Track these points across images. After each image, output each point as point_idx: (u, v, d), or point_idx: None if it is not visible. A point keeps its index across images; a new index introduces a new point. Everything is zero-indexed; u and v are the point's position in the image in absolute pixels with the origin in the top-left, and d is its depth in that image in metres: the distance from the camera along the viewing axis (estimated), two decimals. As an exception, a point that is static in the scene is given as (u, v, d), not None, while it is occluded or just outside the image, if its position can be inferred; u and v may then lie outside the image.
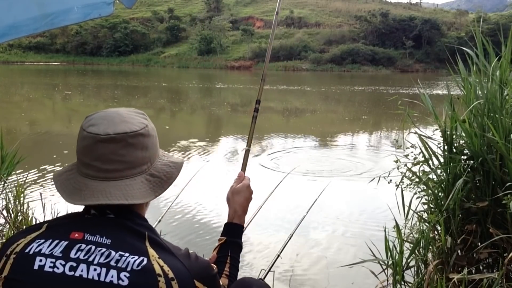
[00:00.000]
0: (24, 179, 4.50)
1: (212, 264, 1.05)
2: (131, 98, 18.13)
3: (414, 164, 2.65)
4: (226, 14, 74.71)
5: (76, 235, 0.92)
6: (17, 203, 3.48)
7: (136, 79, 30.19)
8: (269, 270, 1.85)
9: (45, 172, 5.63)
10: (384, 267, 2.49)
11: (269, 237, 3.77)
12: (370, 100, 19.39)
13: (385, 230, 2.44)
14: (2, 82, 25.61)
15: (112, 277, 0.87)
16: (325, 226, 4.07)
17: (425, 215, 2.57)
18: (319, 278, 3.10)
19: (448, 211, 2.33)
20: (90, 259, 0.89)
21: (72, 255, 0.89)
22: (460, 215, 2.32)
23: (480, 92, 2.42)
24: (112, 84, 26.06)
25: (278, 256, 2.00)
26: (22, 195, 3.54)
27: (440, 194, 2.47)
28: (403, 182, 2.67)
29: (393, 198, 2.62)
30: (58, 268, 0.88)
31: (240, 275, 1.36)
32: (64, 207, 3.65)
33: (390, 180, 2.76)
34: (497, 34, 2.53)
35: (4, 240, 3.04)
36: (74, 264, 0.88)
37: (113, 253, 0.89)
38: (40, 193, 3.86)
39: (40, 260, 0.89)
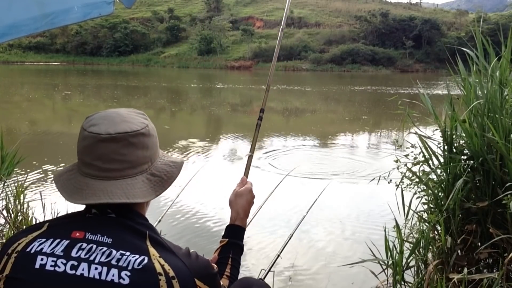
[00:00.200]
0: (24, 179, 4.50)
1: (213, 264, 1.05)
2: (131, 98, 18.13)
3: (414, 164, 2.65)
4: (226, 14, 74.69)
5: (77, 234, 0.93)
6: (17, 203, 3.48)
7: (136, 79, 30.19)
8: (269, 270, 1.85)
9: (45, 172, 5.63)
10: (384, 267, 2.49)
11: (269, 237, 3.77)
12: (370, 100, 19.39)
13: (385, 230, 2.44)
14: (2, 82, 25.61)
15: (113, 276, 0.87)
16: (325, 226, 4.07)
17: (425, 215, 2.57)
18: (319, 278, 3.10)
19: (448, 211, 2.33)
20: (91, 258, 0.89)
21: (73, 254, 0.90)
22: (460, 215, 2.32)
23: (480, 92, 2.42)
24: (112, 84, 26.06)
25: (278, 256, 2.00)
26: (22, 195, 3.54)
27: (440, 194, 2.47)
28: (403, 182, 2.67)
29: (393, 198, 2.62)
30: (59, 267, 0.88)
31: (240, 275, 1.36)
32: (64, 207, 3.65)
33: (390, 180, 2.76)
34: (497, 34, 2.53)
35: (4, 240, 3.04)
36: (75, 263, 0.88)
37: (114, 252, 0.90)
38: (40, 193, 3.86)
39: (42, 259, 0.89)
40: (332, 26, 68.48)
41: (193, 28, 67.67)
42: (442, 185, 2.45)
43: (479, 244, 2.24)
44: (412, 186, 2.67)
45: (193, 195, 4.65)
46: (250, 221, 1.82)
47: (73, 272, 0.88)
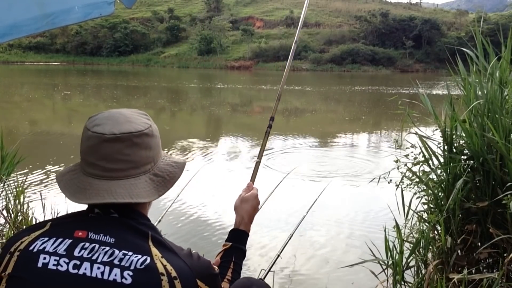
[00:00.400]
0: (24, 179, 4.50)
1: (214, 266, 1.05)
2: (131, 98, 18.13)
3: (414, 164, 2.65)
4: (226, 14, 74.68)
5: (80, 233, 0.93)
6: (17, 203, 3.48)
7: (136, 79, 30.18)
8: (269, 270, 1.85)
9: (46, 172, 5.63)
10: (384, 267, 2.49)
11: (269, 237, 3.77)
12: (370, 100, 19.39)
13: (385, 230, 2.44)
14: (2, 82, 25.60)
15: (115, 275, 0.87)
16: (325, 226, 4.07)
17: (425, 215, 2.57)
18: (319, 278, 3.10)
19: (448, 211, 2.33)
20: (94, 257, 0.89)
21: (76, 253, 0.90)
22: (460, 215, 2.32)
23: (480, 92, 2.42)
24: (112, 84, 26.05)
25: (278, 256, 2.01)
26: (22, 195, 3.54)
27: (440, 194, 2.47)
28: (403, 182, 2.67)
29: (393, 198, 2.62)
30: (62, 266, 0.88)
31: (240, 275, 1.36)
32: (64, 207, 3.65)
33: (390, 180, 2.76)
34: (497, 34, 2.53)
35: (4, 240, 3.04)
36: (78, 262, 0.89)
37: (116, 251, 0.90)
38: (40, 193, 3.86)
39: (44, 258, 0.90)
40: (332, 26, 68.46)
41: (193, 28, 67.65)
42: (442, 185, 2.45)
43: (479, 244, 2.25)
44: (412, 186, 2.67)
45: (193, 195, 4.65)
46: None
47: (76, 271, 0.88)
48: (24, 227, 3.13)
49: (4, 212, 3.44)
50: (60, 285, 0.88)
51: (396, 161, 2.74)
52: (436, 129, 2.57)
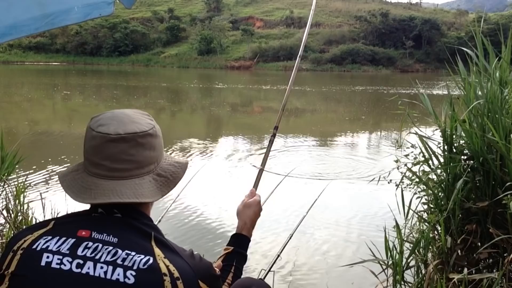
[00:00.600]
0: (24, 179, 4.50)
1: (215, 268, 1.06)
2: (131, 98, 18.13)
3: (414, 164, 2.65)
4: (226, 14, 74.62)
5: (83, 233, 0.93)
6: (17, 203, 3.48)
7: (136, 79, 30.17)
8: (269, 270, 1.85)
9: (46, 172, 5.63)
10: (384, 267, 2.49)
11: (269, 237, 3.77)
12: (370, 100, 19.39)
13: (385, 230, 2.44)
14: (2, 82, 25.60)
15: (118, 275, 0.88)
16: (325, 226, 4.07)
17: (425, 215, 2.57)
18: (319, 277, 3.10)
19: (448, 211, 2.33)
20: (97, 257, 0.89)
21: (79, 252, 0.90)
22: (460, 215, 2.32)
23: (480, 92, 2.42)
24: (112, 84, 26.05)
25: (278, 256, 2.01)
26: (22, 195, 3.54)
27: (440, 194, 2.47)
28: (403, 182, 2.67)
29: (393, 198, 2.62)
30: (65, 265, 0.89)
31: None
32: (64, 207, 3.65)
33: (390, 180, 2.77)
34: (497, 34, 2.54)
35: (4, 240, 3.04)
36: (81, 262, 0.89)
37: (119, 251, 0.90)
38: (40, 193, 3.86)
39: (47, 257, 0.90)
40: (332, 26, 68.41)
41: (193, 28, 67.59)
42: (442, 185, 2.45)
43: (479, 244, 2.25)
44: (412, 186, 2.67)
45: (193, 195, 4.65)
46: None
47: (79, 270, 0.88)
48: (24, 227, 3.13)
49: (4, 212, 3.44)
50: (63, 284, 0.88)
51: (396, 161, 2.74)
52: (436, 129, 2.57)
